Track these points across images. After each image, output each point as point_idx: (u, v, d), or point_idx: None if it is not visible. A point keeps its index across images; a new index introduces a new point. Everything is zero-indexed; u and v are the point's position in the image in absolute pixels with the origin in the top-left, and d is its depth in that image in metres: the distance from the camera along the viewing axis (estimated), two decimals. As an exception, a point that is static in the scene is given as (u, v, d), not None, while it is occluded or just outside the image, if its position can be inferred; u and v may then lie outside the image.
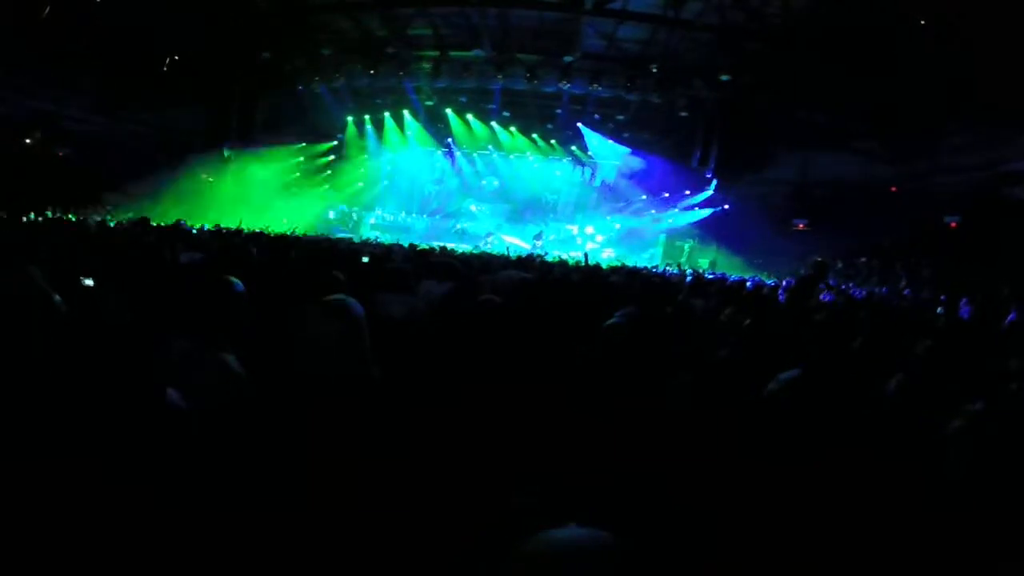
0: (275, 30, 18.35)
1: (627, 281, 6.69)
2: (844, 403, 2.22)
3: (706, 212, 20.60)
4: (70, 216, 12.71)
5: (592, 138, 22.41)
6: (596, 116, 21.80)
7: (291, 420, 1.81)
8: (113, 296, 2.88)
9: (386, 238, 19.81)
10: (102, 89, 17.87)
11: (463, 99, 21.82)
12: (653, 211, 22.75)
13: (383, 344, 2.25)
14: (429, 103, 22.33)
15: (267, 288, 3.18)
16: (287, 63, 19.85)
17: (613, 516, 0.91)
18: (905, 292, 12.37)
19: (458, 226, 24.22)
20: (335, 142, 24.28)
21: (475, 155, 24.40)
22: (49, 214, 12.41)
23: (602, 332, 2.54)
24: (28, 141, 16.24)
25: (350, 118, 23.51)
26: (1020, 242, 12.52)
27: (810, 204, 19.41)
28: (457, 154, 24.48)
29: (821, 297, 8.04)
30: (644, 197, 23.07)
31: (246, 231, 11.56)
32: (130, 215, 13.59)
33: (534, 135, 23.33)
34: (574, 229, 24.09)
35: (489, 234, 23.40)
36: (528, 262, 9.84)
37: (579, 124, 22.08)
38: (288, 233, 11.57)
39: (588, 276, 6.69)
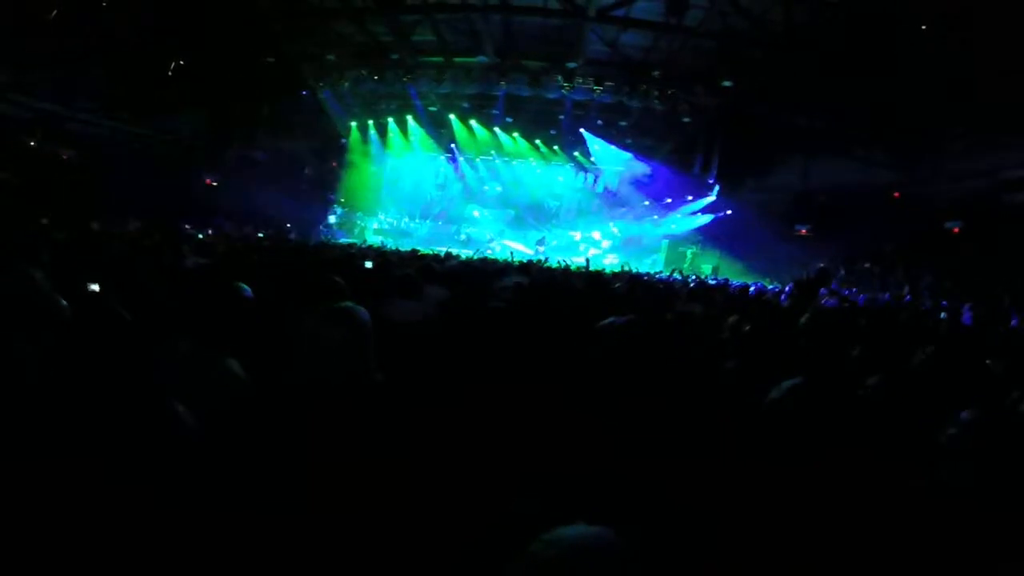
0: (280, 35, 18.41)
1: (629, 287, 6.70)
2: (845, 409, 2.23)
3: (708, 218, 20.60)
4: (75, 221, 12.73)
5: (594, 143, 22.43)
6: (599, 122, 21.81)
7: (294, 424, 1.81)
8: (118, 300, 2.89)
9: (389, 243, 19.85)
10: (107, 92, 17.93)
11: (466, 104, 21.87)
12: (655, 216, 22.76)
13: (393, 349, 2.26)
14: (432, 108, 22.37)
15: (272, 293, 3.20)
16: (292, 68, 19.89)
17: (615, 518, 0.92)
18: (906, 298, 12.36)
19: (463, 235, 24.19)
20: (339, 147, 24.34)
21: (478, 160, 24.41)
22: (54, 218, 12.43)
23: (598, 332, 2.55)
24: (32, 143, 16.28)
25: (354, 123, 23.57)
26: (1021, 248, 12.51)
27: (812, 210, 19.39)
28: (460, 159, 24.50)
29: (824, 303, 8.05)
30: (647, 203, 23.08)
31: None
32: (134, 220, 13.64)
33: (537, 141, 23.37)
34: (576, 235, 24.07)
35: (491, 239, 23.41)
36: (531, 268, 9.85)
37: (582, 130, 22.09)
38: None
39: (591, 282, 6.70)
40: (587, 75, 18.61)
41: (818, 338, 4.01)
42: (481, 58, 18.45)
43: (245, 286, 2.54)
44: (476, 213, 25.18)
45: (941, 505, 1.84)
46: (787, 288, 11.40)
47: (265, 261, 6.59)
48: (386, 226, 24.82)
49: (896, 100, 15.07)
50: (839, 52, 14.56)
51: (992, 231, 14.18)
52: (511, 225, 24.70)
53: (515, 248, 22.03)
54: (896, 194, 17.89)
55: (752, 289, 10.42)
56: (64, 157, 16.81)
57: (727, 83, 17.52)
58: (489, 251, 20.63)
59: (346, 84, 20.51)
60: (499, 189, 25.08)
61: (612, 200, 24.18)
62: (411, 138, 23.77)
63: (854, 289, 14.55)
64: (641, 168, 22.43)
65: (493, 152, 23.93)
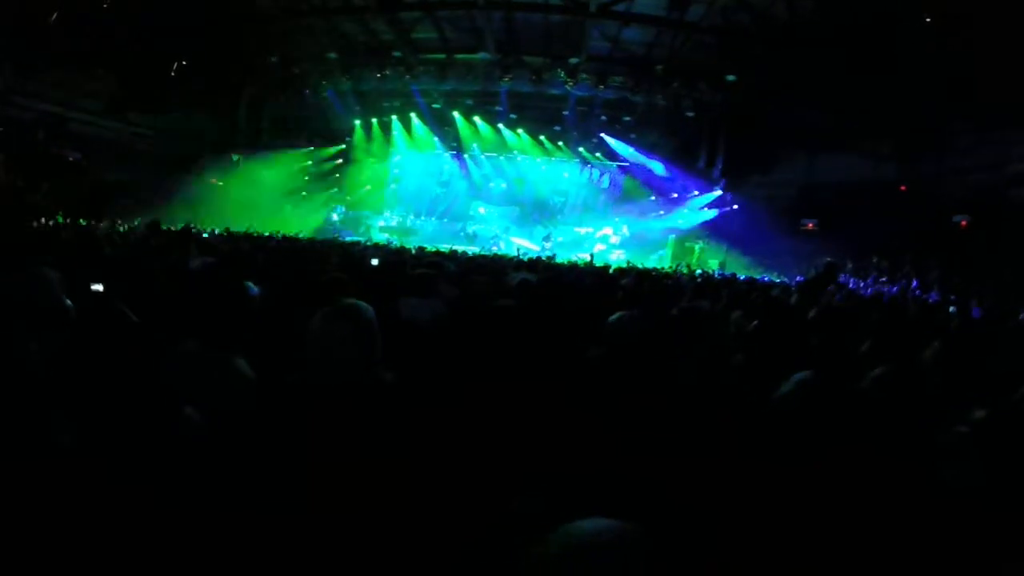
0: (282, 34, 18.44)
1: (636, 283, 6.68)
2: (854, 403, 2.21)
3: (712, 213, 20.56)
4: (80, 221, 12.80)
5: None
6: (603, 117, 21.80)
7: (300, 424, 1.81)
8: (124, 301, 2.89)
9: (395, 240, 19.87)
10: (111, 93, 18.00)
11: (469, 102, 21.86)
12: (661, 212, 22.73)
13: (405, 347, 2.25)
14: (436, 106, 22.38)
15: (278, 292, 3.20)
16: (294, 67, 19.93)
17: (624, 515, 0.91)
18: (915, 292, 12.31)
19: (468, 232, 24.20)
20: (342, 146, 24.37)
21: (482, 157, 24.41)
22: (60, 219, 12.50)
23: (605, 328, 2.54)
24: (37, 145, 16.37)
25: (357, 121, 23.60)
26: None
27: (818, 204, 19.32)
28: (464, 156, 24.51)
29: (835, 298, 8.01)
30: (652, 198, 23.05)
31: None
32: (139, 220, 13.69)
33: (541, 137, 23.34)
34: (582, 231, 24.03)
35: (497, 236, 23.42)
36: (538, 265, 9.85)
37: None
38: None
39: (600, 280, 6.69)
40: (590, 71, 18.57)
41: (827, 333, 3.98)
42: (483, 55, 18.44)
43: (252, 285, 2.54)
44: (482, 210, 25.17)
45: (948, 504, 1.83)
46: (796, 280, 11.38)
47: (271, 260, 6.60)
48: (392, 224, 24.82)
49: (902, 94, 14.98)
50: (843, 46, 14.49)
51: (999, 225, 14.09)
52: (517, 222, 24.69)
53: (521, 245, 22.04)
54: (903, 188, 17.80)
55: (758, 285, 10.40)
56: (70, 159, 16.87)
57: (731, 78, 17.45)
58: (495, 248, 20.63)
59: (349, 83, 20.52)
60: (504, 186, 25.08)
61: (617, 196, 24.13)
62: (415, 136, 23.77)
63: (861, 284, 14.50)
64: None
65: (497, 149, 23.90)
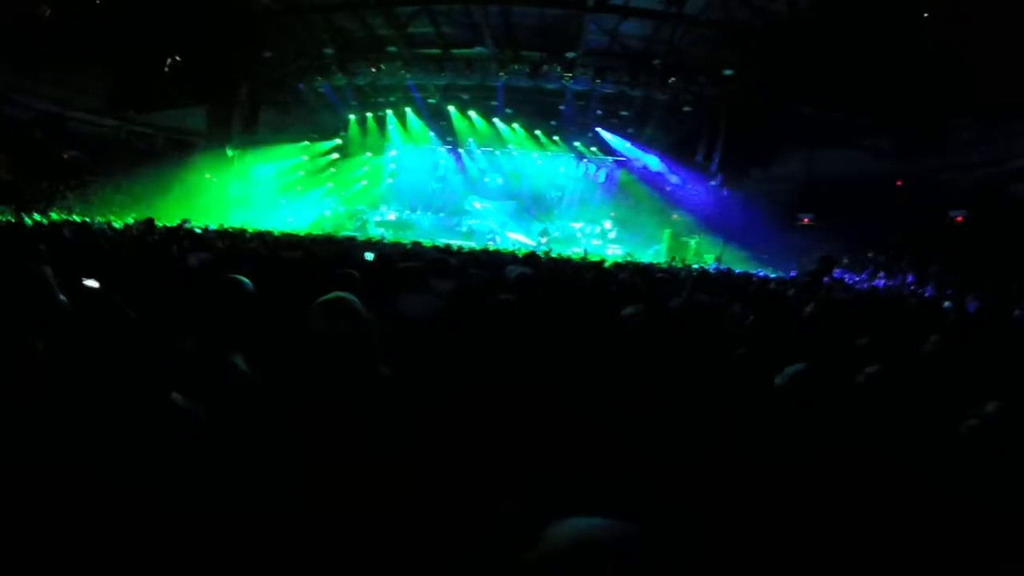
0: (278, 29, 18.36)
1: (632, 278, 6.68)
2: (849, 397, 2.21)
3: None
4: (74, 217, 12.75)
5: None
6: (599, 112, 21.76)
7: (297, 420, 1.80)
8: (119, 297, 2.88)
9: (390, 235, 19.85)
10: (106, 91, 17.93)
11: (466, 96, 21.81)
12: (657, 206, 22.76)
13: (402, 343, 2.25)
14: (432, 101, 22.33)
15: (276, 287, 3.19)
16: (290, 62, 19.85)
17: (624, 515, 0.91)
18: (912, 287, 12.34)
19: (465, 227, 24.18)
20: (338, 140, 24.32)
21: (479, 152, 24.36)
22: (55, 216, 12.46)
23: (614, 327, 2.53)
24: (34, 143, 16.32)
25: (352, 116, 23.55)
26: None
27: (816, 199, 19.37)
28: (460, 151, 24.47)
29: (834, 293, 8.02)
30: (649, 193, 23.06)
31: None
32: (134, 216, 13.65)
33: (537, 132, 23.31)
34: (578, 226, 24.03)
35: (494, 231, 23.42)
36: (536, 259, 9.84)
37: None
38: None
39: (599, 275, 6.69)
40: (587, 65, 18.52)
41: (822, 327, 3.99)
42: (480, 49, 18.38)
43: (248, 281, 2.53)
44: (478, 205, 25.14)
45: (947, 498, 1.83)
46: (791, 274, 11.39)
47: (267, 256, 6.57)
48: (388, 219, 24.79)
49: (901, 89, 14.98)
50: (843, 41, 14.47)
51: (998, 220, 14.13)
52: (513, 216, 24.67)
53: (518, 240, 22.03)
54: (900, 183, 17.84)
55: (755, 279, 10.41)
56: (65, 156, 16.82)
57: (729, 72, 17.42)
58: (491, 243, 20.62)
59: (344, 78, 20.45)
60: (500, 181, 25.06)
61: (614, 190, 24.13)
62: (411, 131, 23.72)
63: (856, 278, 14.54)
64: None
65: (494, 143, 23.86)
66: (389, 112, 23.34)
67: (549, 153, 24.09)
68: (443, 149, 24.68)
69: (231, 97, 20.75)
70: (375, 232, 21.97)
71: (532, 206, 24.78)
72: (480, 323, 2.52)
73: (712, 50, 17.01)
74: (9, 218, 10.93)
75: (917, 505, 1.74)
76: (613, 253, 20.14)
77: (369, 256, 7.62)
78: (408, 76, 19.93)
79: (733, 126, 18.85)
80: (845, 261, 16.23)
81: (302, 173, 24.35)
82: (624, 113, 21.72)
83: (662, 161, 22.13)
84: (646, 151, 22.41)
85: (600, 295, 4.90)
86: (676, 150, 21.72)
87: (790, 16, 14.64)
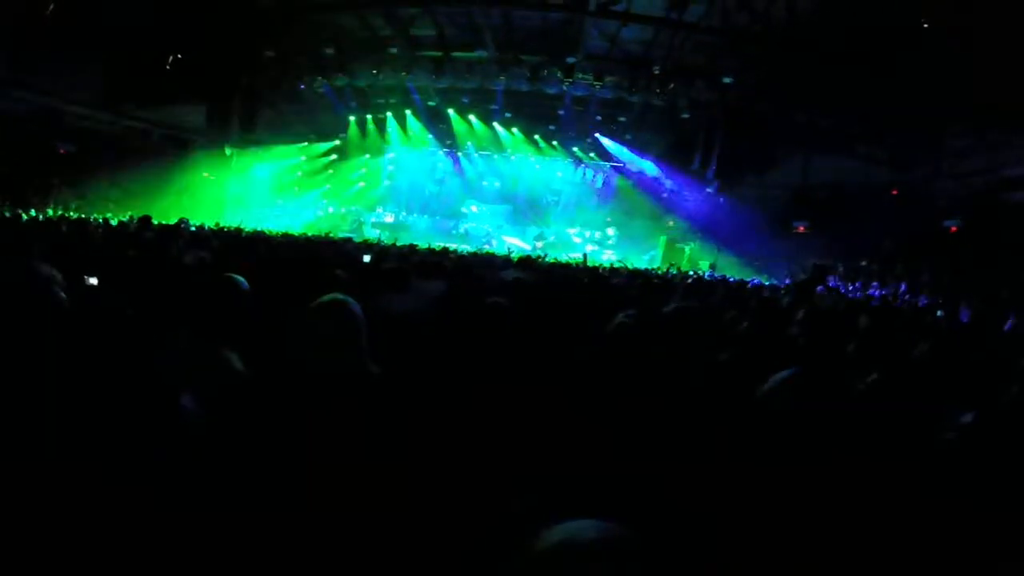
0: (279, 28, 18.36)
1: (627, 283, 6.71)
2: (837, 404, 2.23)
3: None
4: (71, 214, 12.74)
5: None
6: (598, 117, 21.80)
7: (292, 419, 1.82)
8: (116, 294, 2.89)
9: (385, 237, 19.83)
10: (105, 86, 17.90)
11: (465, 99, 21.81)
12: (653, 212, 22.79)
13: (388, 342, 2.26)
14: (431, 103, 22.34)
15: (271, 287, 3.20)
16: (291, 62, 19.85)
17: (616, 517, 0.93)
18: (905, 296, 12.39)
19: (461, 230, 24.18)
20: (337, 141, 24.30)
21: (477, 155, 24.37)
22: (51, 212, 12.44)
23: (606, 332, 2.55)
24: (31, 138, 16.28)
25: (352, 117, 23.53)
26: (1020, 247, 12.54)
27: (811, 207, 19.41)
28: (459, 154, 24.47)
29: (825, 301, 8.06)
30: (645, 198, 23.09)
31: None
32: (131, 212, 13.63)
33: (536, 136, 23.33)
34: (574, 231, 24.04)
35: (488, 234, 23.44)
36: (530, 263, 9.87)
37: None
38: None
39: (595, 280, 6.71)
40: (587, 70, 18.57)
41: (814, 334, 4.02)
42: (480, 52, 18.41)
43: (242, 279, 2.54)
44: (474, 208, 25.13)
45: (938, 504, 1.85)
46: (785, 283, 11.43)
47: (264, 255, 6.59)
48: (384, 221, 24.78)
49: (896, 97, 15.07)
50: (840, 49, 14.56)
51: (991, 229, 14.19)
52: (510, 220, 24.67)
53: (513, 244, 22.05)
54: (895, 191, 17.91)
55: (749, 286, 10.45)
56: (62, 151, 16.78)
57: (727, 79, 17.49)
58: (487, 246, 20.63)
59: (345, 78, 20.46)
60: (497, 184, 25.04)
61: (610, 196, 24.15)
62: (410, 133, 23.72)
63: (850, 286, 14.58)
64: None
65: (492, 147, 23.88)
66: (389, 114, 23.33)
67: (547, 157, 24.10)
68: (442, 152, 24.67)
69: (230, 95, 20.74)
70: (371, 234, 21.95)
71: (528, 210, 24.78)
72: (471, 325, 2.54)
73: (710, 56, 17.09)
74: (6, 213, 10.90)
75: (901, 512, 1.76)
76: (608, 259, 20.17)
77: (366, 258, 7.65)
78: (408, 78, 19.94)
79: (730, 132, 18.92)
80: (840, 269, 16.28)
81: (300, 174, 24.34)
82: (622, 119, 21.77)
83: (658, 167, 22.16)
84: (643, 157, 22.45)
85: (593, 300, 4.93)
86: (673, 156, 21.76)
87: (788, 24, 14.72)
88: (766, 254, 18.70)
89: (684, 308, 3.30)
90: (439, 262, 5.98)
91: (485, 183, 25.10)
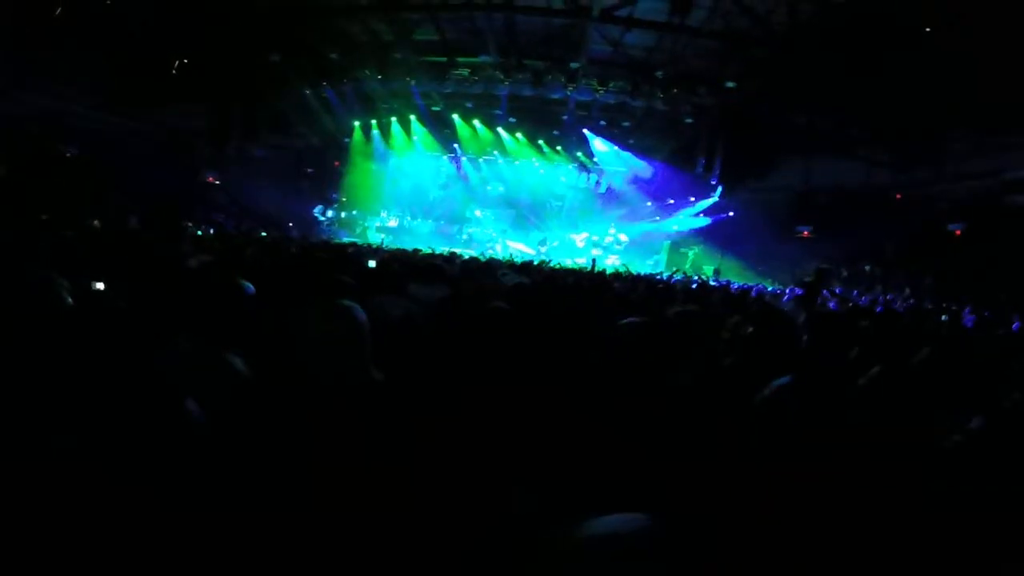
0: (283, 33, 18.43)
1: (630, 288, 6.71)
2: (836, 409, 2.23)
3: (706, 220, 20.60)
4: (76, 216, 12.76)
5: (596, 142, 22.44)
6: (602, 122, 21.82)
7: (295, 423, 1.82)
8: (120, 298, 2.90)
9: (389, 241, 19.85)
10: (109, 88, 17.97)
11: (469, 104, 21.87)
12: (657, 217, 22.76)
13: (387, 346, 2.27)
14: (435, 108, 22.40)
15: (275, 290, 3.21)
16: (294, 66, 19.91)
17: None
18: (909, 301, 12.36)
19: (465, 235, 24.19)
20: (341, 146, 24.36)
21: (480, 160, 24.41)
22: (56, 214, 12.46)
23: (609, 336, 2.56)
24: (33, 140, 16.32)
25: (356, 122, 23.59)
26: (1023, 250, 12.51)
27: (814, 211, 19.40)
28: (462, 159, 24.50)
29: (828, 305, 8.04)
30: (649, 203, 23.08)
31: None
32: (135, 217, 13.67)
33: (540, 141, 23.36)
34: (577, 236, 24.01)
35: (494, 239, 23.44)
36: (532, 268, 9.86)
37: (584, 130, 22.10)
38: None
39: (598, 284, 6.71)
40: (590, 75, 18.62)
41: (816, 339, 4.02)
42: (484, 58, 18.47)
43: (247, 283, 2.55)
44: (478, 213, 25.15)
45: (940, 508, 1.85)
46: (788, 290, 11.41)
47: (267, 258, 6.60)
48: (388, 225, 24.81)
49: (899, 101, 15.06)
50: (842, 53, 14.56)
51: (994, 233, 14.16)
52: (513, 225, 24.67)
53: (517, 248, 22.04)
54: (898, 195, 17.89)
55: (754, 292, 10.43)
56: (67, 154, 16.83)
57: (730, 84, 17.51)
58: (491, 251, 20.63)
59: (349, 83, 20.52)
60: (501, 189, 25.05)
61: (614, 201, 24.14)
62: (414, 137, 23.77)
63: (855, 291, 14.55)
64: (646, 168, 22.39)
65: (496, 152, 23.91)
66: (393, 119, 23.40)
67: (550, 162, 24.12)
68: (445, 157, 24.70)
69: (234, 99, 20.81)
70: (375, 238, 21.97)
71: (532, 215, 24.79)
72: (473, 329, 2.55)
73: (714, 61, 17.11)
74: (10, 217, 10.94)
75: (906, 514, 1.76)
76: (612, 264, 20.17)
77: (371, 263, 7.64)
78: (413, 83, 20.01)
79: (732, 137, 18.93)
80: (844, 274, 16.26)
81: (304, 177, 24.40)
82: (626, 123, 21.79)
83: (661, 171, 22.16)
84: (647, 161, 22.45)
85: (595, 305, 4.93)
86: (676, 160, 21.78)
87: (790, 28, 14.74)
88: (769, 258, 18.68)
89: (687, 312, 3.31)
90: (439, 266, 5.98)
91: (489, 188, 25.11)
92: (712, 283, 13.37)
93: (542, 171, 24.48)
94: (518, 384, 2.05)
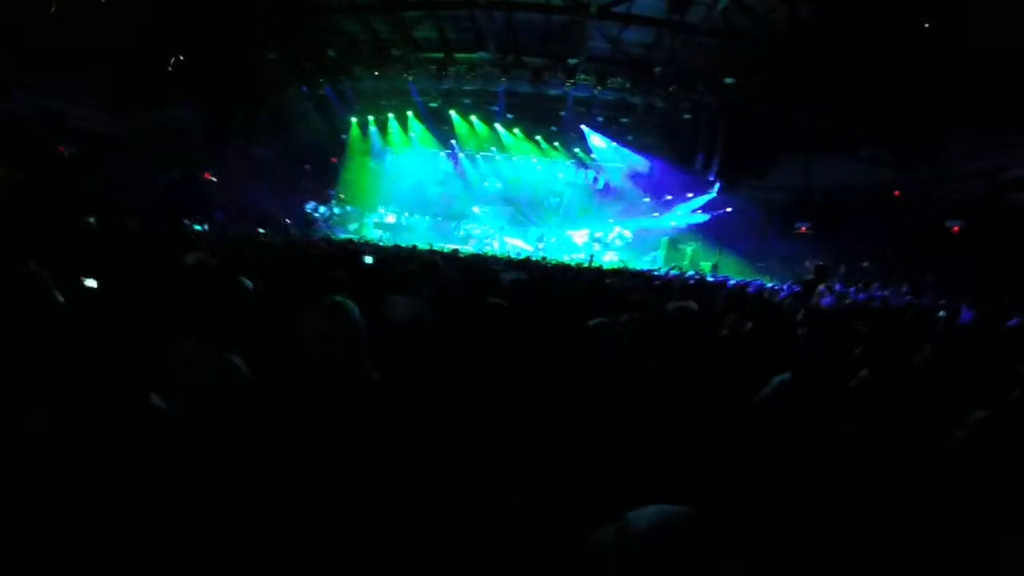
0: (281, 31, 18.39)
1: (628, 284, 6.71)
2: (836, 406, 2.23)
3: (705, 216, 20.60)
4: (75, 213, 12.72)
5: (594, 138, 22.41)
6: (600, 119, 21.80)
7: (293, 421, 1.82)
8: (116, 296, 2.89)
9: (387, 238, 19.83)
10: (107, 88, 17.92)
11: (467, 101, 21.83)
12: (655, 214, 22.74)
13: (389, 346, 2.27)
14: (433, 104, 22.36)
15: (274, 289, 3.20)
16: (293, 64, 19.87)
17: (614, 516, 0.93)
18: (907, 298, 12.35)
19: (463, 231, 24.18)
20: (339, 143, 24.31)
21: (478, 157, 24.38)
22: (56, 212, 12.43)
23: (607, 333, 2.56)
24: (32, 139, 16.27)
25: (354, 119, 23.56)
26: (1022, 248, 12.51)
27: (813, 208, 19.38)
28: (460, 156, 24.47)
29: (822, 301, 8.05)
30: (647, 200, 23.06)
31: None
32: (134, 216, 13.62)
33: (537, 137, 23.32)
34: (575, 232, 24.00)
35: (492, 236, 23.43)
36: (529, 264, 9.86)
37: (582, 126, 22.07)
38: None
39: (595, 281, 6.71)
40: (589, 72, 18.59)
41: (814, 336, 4.02)
42: (483, 54, 18.44)
43: (247, 281, 2.54)
44: (476, 209, 25.12)
45: (941, 505, 1.84)
46: (785, 286, 11.41)
47: (266, 256, 6.59)
48: (386, 221, 24.78)
49: (898, 99, 15.05)
50: (841, 50, 14.54)
51: (993, 231, 14.16)
52: (511, 222, 24.65)
53: (515, 245, 22.03)
54: (897, 193, 17.88)
55: (751, 288, 10.43)
56: (65, 154, 16.78)
57: (729, 80, 17.50)
58: (488, 248, 20.62)
59: (347, 80, 20.47)
60: (499, 185, 25.02)
61: (612, 197, 24.12)
62: (412, 134, 23.74)
63: (852, 289, 14.56)
64: (643, 164, 22.38)
65: (493, 149, 23.89)
66: (391, 115, 23.36)
67: (548, 159, 24.10)
68: (443, 153, 24.67)
69: (233, 97, 20.75)
70: (373, 234, 21.93)
71: (530, 212, 24.76)
72: (470, 326, 2.54)
73: (712, 58, 17.10)
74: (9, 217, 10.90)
75: (907, 511, 1.76)
76: (610, 260, 20.16)
77: (368, 260, 7.63)
78: (411, 80, 19.97)
79: (731, 134, 18.92)
80: (842, 271, 16.24)
81: (302, 175, 24.31)
82: (624, 120, 21.78)
83: (659, 168, 22.14)
84: (646, 157, 22.43)
85: (592, 301, 4.92)
86: (674, 157, 21.76)
87: (790, 26, 14.72)
88: (768, 255, 18.68)
89: (685, 309, 3.31)
90: (435, 263, 5.98)
91: (487, 184, 25.08)
92: (710, 279, 13.38)
93: (540, 167, 24.44)
94: (516, 382, 2.04)
